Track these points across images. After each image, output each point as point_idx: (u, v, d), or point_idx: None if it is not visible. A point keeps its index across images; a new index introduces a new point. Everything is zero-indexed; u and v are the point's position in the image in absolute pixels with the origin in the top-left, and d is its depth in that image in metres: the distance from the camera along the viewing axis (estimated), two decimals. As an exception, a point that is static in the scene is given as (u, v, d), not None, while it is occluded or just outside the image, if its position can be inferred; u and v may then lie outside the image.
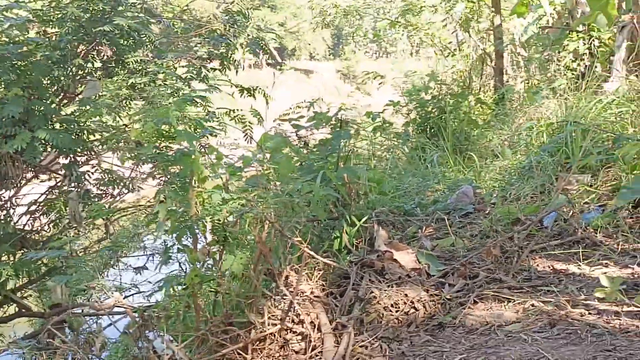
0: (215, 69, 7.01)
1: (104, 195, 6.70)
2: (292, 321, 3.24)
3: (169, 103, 5.46)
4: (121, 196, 6.83)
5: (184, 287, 3.28)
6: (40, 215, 6.86)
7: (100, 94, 6.03)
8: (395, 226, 4.70)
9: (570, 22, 9.19)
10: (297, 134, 4.97)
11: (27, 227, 6.77)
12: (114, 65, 6.57)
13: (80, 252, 6.57)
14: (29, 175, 6.62)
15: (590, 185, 4.81)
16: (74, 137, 6.06)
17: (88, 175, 6.46)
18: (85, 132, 6.35)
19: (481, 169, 6.58)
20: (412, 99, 8.73)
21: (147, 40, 6.63)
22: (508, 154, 6.64)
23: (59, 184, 6.70)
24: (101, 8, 6.03)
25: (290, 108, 4.98)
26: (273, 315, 3.27)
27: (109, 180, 6.54)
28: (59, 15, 6.19)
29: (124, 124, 6.44)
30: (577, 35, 8.63)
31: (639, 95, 6.33)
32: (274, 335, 3.18)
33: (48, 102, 6.11)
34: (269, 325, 3.20)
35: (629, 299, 3.07)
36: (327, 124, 4.82)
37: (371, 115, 8.30)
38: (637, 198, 4.20)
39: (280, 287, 3.35)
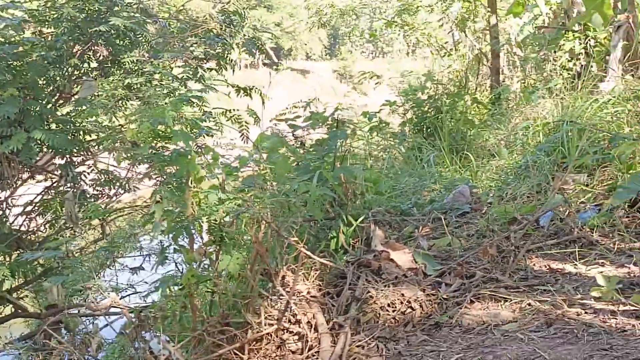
0: (211, 69, 7.01)
1: (100, 196, 6.69)
2: (289, 321, 3.23)
3: (165, 103, 5.45)
4: (117, 196, 6.83)
5: (181, 287, 3.27)
6: (36, 215, 6.84)
7: (96, 94, 6.02)
8: (392, 226, 4.70)
9: (566, 21, 9.21)
10: (293, 134, 4.98)
11: (23, 228, 6.76)
12: (110, 65, 6.55)
13: (76, 253, 6.56)
14: (25, 175, 6.61)
15: (587, 185, 4.82)
16: (70, 138, 6.06)
17: (84, 175, 6.46)
18: (81, 132, 6.34)
19: (477, 169, 6.59)
20: (409, 99, 8.73)
21: (143, 40, 6.62)
22: (504, 154, 6.65)
23: (55, 185, 6.69)
24: (97, 8, 6.02)
25: (287, 108, 4.98)
26: (270, 315, 3.27)
27: (105, 181, 6.53)
28: (55, 16, 6.18)
29: (119, 125, 6.43)
30: (573, 35, 8.64)
31: (634, 95, 6.34)
32: (271, 335, 3.18)
33: (44, 102, 6.10)
34: (265, 325, 3.20)
35: (625, 298, 3.08)
36: (323, 124, 4.82)
37: (367, 115, 8.29)
38: (633, 197, 4.21)
39: (277, 287, 3.35)
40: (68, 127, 6.17)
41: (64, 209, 6.12)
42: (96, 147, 6.56)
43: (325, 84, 57.69)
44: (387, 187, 5.66)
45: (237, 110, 6.88)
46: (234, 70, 7.27)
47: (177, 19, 7.48)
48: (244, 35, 6.92)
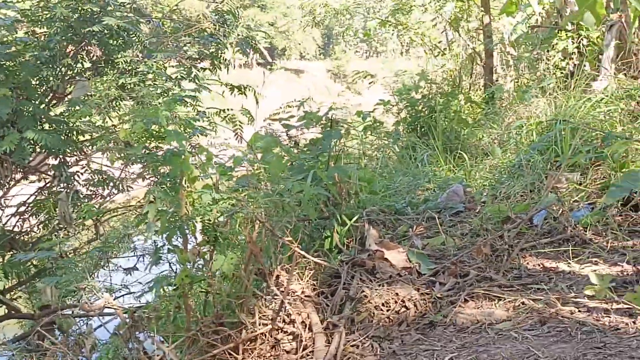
0: (205, 69, 7.00)
1: (93, 196, 6.67)
2: (283, 321, 3.23)
3: (159, 103, 5.44)
4: (111, 197, 6.80)
5: (175, 287, 3.27)
6: (30, 216, 6.82)
7: (90, 94, 6.00)
8: (386, 225, 4.70)
9: (559, 21, 9.23)
10: (287, 134, 4.97)
11: (16, 228, 6.73)
12: (103, 65, 6.53)
13: (70, 253, 6.53)
14: (18, 176, 6.58)
15: (580, 184, 4.84)
16: (63, 138, 6.03)
17: (77, 175, 6.43)
18: (75, 132, 6.32)
19: (471, 168, 6.60)
20: (403, 98, 8.73)
21: (137, 40, 6.60)
22: (498, 153, 6.66)
23: (48, 185, 6.66)
24: (90, 9, 5.99)
25: (281, 107, 4.98)
26: (264, 315, 3.27)
27: (98, 181, 6.51)
28: (48, 15, 6.15)
29: (113, 125, 6.41)
30: (566, 35, 8.66)
31: (627, 94, 6.37)
32: (265, 335, 3.18)
33: (37, 102, 6.07)
34: (259, 325, 3.20)
35: (618, 297, 3.09)
36: (317, 123, 4.82)
37: (362, 114, 8.30)
38: (626, 196, 4.23)
39: (271, 287, 3.35)
40: (61, 127, 6.14)
41: (57, 209, 6.10)
42: (90, 148, 6.54)
43: (319, 83, 57.70)
44: (381, 187, 5.67)
45: (231, 110, 6.87)
46: (228, 70, 7.25)
47: (170, 19, 7.46)
48: (238, 34, 6.91)
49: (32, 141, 5.71)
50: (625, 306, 3.02)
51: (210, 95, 6.83)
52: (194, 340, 3.15)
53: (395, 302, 3.35)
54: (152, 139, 4.07)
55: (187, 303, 3.20)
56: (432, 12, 12.75)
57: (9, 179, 6.21)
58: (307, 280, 3.55)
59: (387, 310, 3.32)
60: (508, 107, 8.71)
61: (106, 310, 4.03)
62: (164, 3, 9.34)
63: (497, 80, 11.30)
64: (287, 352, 3.13)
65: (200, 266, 3.45)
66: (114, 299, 4.87)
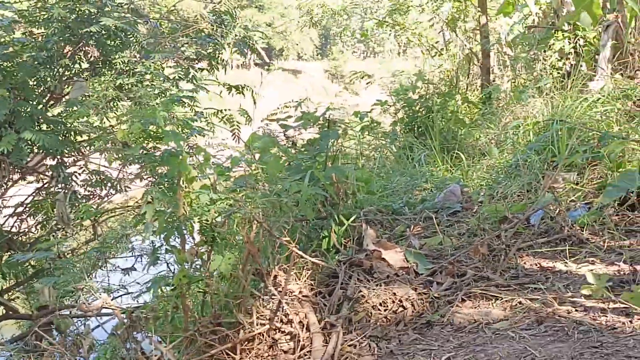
0: (203, 69, 6.99)
1: (91, 197, 6.66)
2: (281, 321, 3.24)
3: (156, 103, 5.44)
4: (109, 197, 6.80)
5: (172, 287, 3.27)
6: (28, 216, 6.81)
7: (87, 94, 5.99)
8: (384, 225, 4.71)
9: (555, 21, 9.24)
10: (285, 134, 4.98)
11: (14, 229, 6.72)
12: (101, 66, 6.53)
13: (67, 254, 6.53)
14: (16, 176, 6.58)
15: (577, 183, 4.85)
16: (60, 138, 6.03)
17: (75, 176, 6.43)
18: (73, 133, 6.31)
19: (468, 168, 6.61)
20: (400, 99, 8.74)
21: (134, 40, 6.59)
22: (495, 153, 6.67)
23: (46, 185, 6.65)
24: (88, 10, 5.98)
25: (278, 108, 4.98)
26: (262, 315, 3.27)
27: (96, 181, 6.50)
28: (45, 16, 6.14)
29: (110, 125, 6.41)
30: (563, 35, 8.68)
31: (623, 94, 6.38)
32: (263, 335, 3.18)
33: (34, 103, 6.07)
34: (257, 325, 3.20)
35: (615, 296, 3.10)
36: (315, 123, 4.82)
37: (359, 114, 8.31)
38: (622, 196, 4.24)
39: (268, 287, 3.35)
40: (59, 127, 6.13)
41: (55, 210, 6.09)
42: (87, 148, 6.54)
43: (316, 84, 57.68)
44: (378, 187, 5.68)
45: (229, 110, 6.87)
46: (225, 71, 7.25)
47: (168, 19, 7.46)
48: (236, 35, 6.91)
49: (29, 142, 5.71)
50: (622, 306, 3.02)
51: (207, 96, 6.83)
52: (192, 341, 3.15)
53: (393, 301, 3.36)
54: (150, 139, 4.08)
55: (185, 303, 3.20)
56: (429, 13, 12.76)
57: (6, 179, 6.20)
58: (305, 280, 3.56)
59: (385, 310, 3.32)
60: (505, 107, 8.73)
61: (104, 311, 4.03)
62: (161, 3, 9.34)
63: (494, 81, 11.31)
64: (285, 352, 3.14)
65: (198, 266, 3.45)
66: (112, 300, 4.86)
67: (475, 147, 7.58)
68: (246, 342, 3.16)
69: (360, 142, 8.13)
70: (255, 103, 6.74)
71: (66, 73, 6.42)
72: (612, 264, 3.61)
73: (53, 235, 6.42)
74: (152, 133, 3.83)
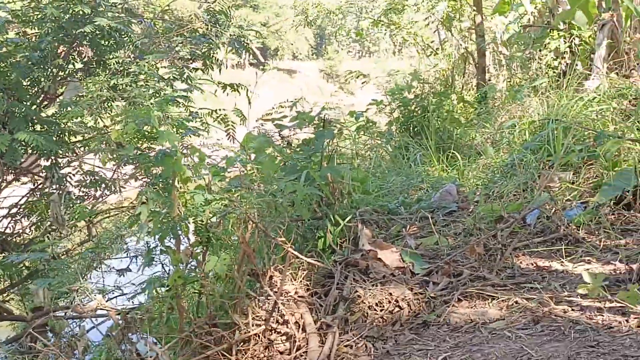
0: (197, 69, 6.98)
1: (86, 197, 6.64)
2: (277, 321, 3.23)
3: (151, 103, 5.42)
4: (103, 198, 6.78)
5: (167, 288, 3.26)
6: (22, 217, 6.79)
7: (81, 94, 5.97)
8: (379, 225, 4.70)
9: (551, 20, 9.24)
10: (280, 134, 4.96)
11: (8, 230, 6.70)
12: (95, 66, 6.51)
13: (62, 255, 6.52)
14: (10, 177, 6.55)
15: (572, 183, 4.84)
16: (55, 139, 6.01)
17: (70, 177, 6.41)
18: (67, 133, 6.29)
19: (464, 168, 6.61)
20: (395, 98, 8.73)
21: (129, 40, 6.57)
22: (491, 152, 6.67)
23: (40, 186, 6.63)
24: (81, 11, 5.95)
25: (273, 108, 4.97)
26: (257, 316, 3.26)
27: (90, 182, 6.49)
28: (39, 16, 6.13)
29: (105, 125, 6.39)
30: (558, 34, 8.68)
31: (619, 93, 6.38)
32: (259, 336, 3.17)
33: (28, 103, 6.05)
34: (253, 326, 3.19)
35: (611, 295, 3.09)
36: (310, 123, 4.81)
37: (354, 114, 8.30)
38: (618, 195, 4.24)
39: (264, 288, 3.34)
40: (53, 128, 6.11)
41: (49, 210, 6.08)
42: (82, 149, 6.51)
43: (312, 83, 57.72)
44: (374, 187, 5.67)
45: (224, 110, 6.86)
46: (220, 70, 7.24)
47: (162, 19, 7.44)
48: (230, 34, 6.89)
49: (23, 142, 5.68)
50: (618, 305, 3.02)
51: (202, 96, 6.81)
52: (187, 342, 3.14)
53: (389, 302, 3.35)
54: (144, 139, 4.05)
55: (180, 304, 3.19)
56: (424, 12, 12.76)
57: (0, 180, 6.17)
58: (301, 281, 3.55)
59: (381, 310, 3.32)
60: (501, 107, 8.72)
61: (99, 312, 4.03)
62: (155, 3, 9.31)
63: (489, 80, 11.31)
64: (281, 353, 3.13)
65: (193, 267, 3.44)
66: (107, 301, 4.86)
67: (471, 147, 7.58)
68: (242, 343, 3.15)
69: (356, 141, 8.12)
70: (250, 103, 6.72)
71: (60, 73, 6.40)
72: (608, 263, 3.61)
73: (47, 236, 6.41)
74: (146, 133, 3.80)
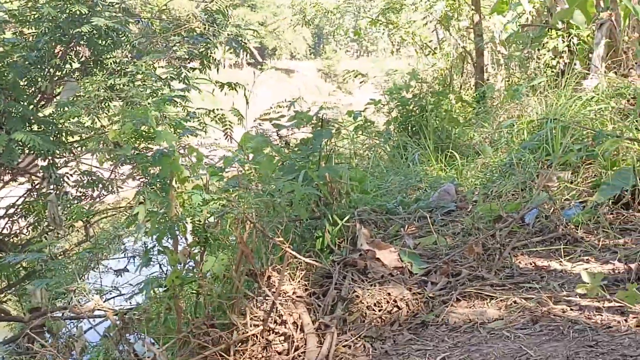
0: (195, 69, 6.96)
1: (83, 197, 6.63)
2: (275, 322, 3.22)
3: (148, 103, 5.41)
4: (101, 198, 6.77)
5: (165, 289, 3.24)
6: (19, 218, 6.78)
7: (79, 94, 5.96)
8: (378, 225, 4.69)
9: (549, 19, 9.24)
10: (278, 134, 4.95)
11: (5, 230, 6.69)
12: (92, 65, 6.50)
13: (59, 255, 6.50)
14: (7, 177, 6.54)
15: (571, 182, 4.84)
16: (52, 139, 5.99)
17: (67, 177, 6.40)
18: (64, 133, 6.28)
19: (463, 167, 6.60)
20: (393, 98, 8.72)
21: (126, 40, 6.56)
22: (489, 152, 6.66)
23: (37, 186, 6.62)
24: (79, 11, 5.93)
25: (271, 107, 4.95)
26: (255, 316, 3.25)
27: (88, 182, 6.47)
28: (36, 16, 6.11)
29: (102, 125, 6.37)
30: (557, 33, 8.68)
31: (617, 92, 6.38)
32: (257, 337, 3.17)
33: (25, 103, 6.03)
34: (251, 326, 3.18)
35: (610, 295, 3.09)
36: (308, 123, 4.80)
37: (352, 114, 8.28)
38: (617, 194, 4.24)
39: (262, 288, 3.34)
40: (50, 128, 6.10)
41: (47, 211, 6.06)
42: (79, 149, 6.50)
43: (309, 83, 57.73)
44: (372, 186, 5.66)
45: (221, 109, 6.85)
46: (218, 70, 7.23)
47: (159, 19, 7.43)
48: (228, 34, 6.88)
49: (20, 142, 5.67)
50: (617, 304, 3.02)
51: (200, 96, 6.80)
52: (185, 342, 3.13)
53: (387, 302, 3.34)
54: (142, 139, 4.04)
55: (178, 304, 3.18)
56: (422, 11, 12.76)
57: (-3, 180, 6.17)
58: (299, 281, 3.54)
59: (379, 310, 3.31)
60: (499, 106, 8.72)
61: (96, 312, 4.00)
62: (153, 3, 9.29)
63: (488, 79, 11.32)
64: (279, 353, 3.12)
65: (190, 267, 3.43)
66: (104, 301, 4.84)
67: (470, 146, 7.57)
68: (240, 344, 3.14)
69: (354, 141, 8.11)
70: (247, 102, 6.71)
71: (57, 73, 6.39)
72: (606, 263, 3.61)
73: (45, 237, 6.38)
74: (144, 133, 3.79)
